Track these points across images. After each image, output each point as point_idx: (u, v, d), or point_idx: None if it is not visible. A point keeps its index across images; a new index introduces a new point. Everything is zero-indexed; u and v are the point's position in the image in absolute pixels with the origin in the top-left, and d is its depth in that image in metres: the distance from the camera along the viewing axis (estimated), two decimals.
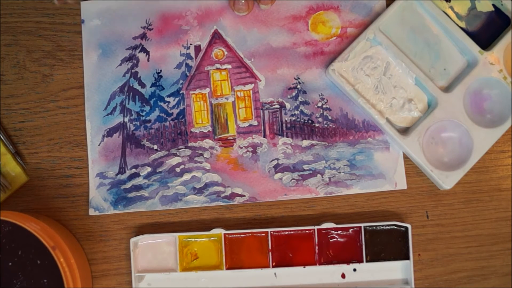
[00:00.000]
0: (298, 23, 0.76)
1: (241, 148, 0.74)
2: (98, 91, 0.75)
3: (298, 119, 0.75)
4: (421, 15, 0.75)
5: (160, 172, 0.74)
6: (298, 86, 0.75)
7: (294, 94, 0.75)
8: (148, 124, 0.74)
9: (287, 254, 0.72)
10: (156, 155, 0.74)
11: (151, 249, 0.72)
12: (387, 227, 0.72)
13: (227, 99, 0.75)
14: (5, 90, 0.74)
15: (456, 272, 0.74)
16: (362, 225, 0.71)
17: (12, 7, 0.75)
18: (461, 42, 0.74)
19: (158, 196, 0.73)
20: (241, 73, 0.75)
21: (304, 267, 0.72)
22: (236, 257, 0.72)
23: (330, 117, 0.75)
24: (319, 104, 0.75)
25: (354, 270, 0.72)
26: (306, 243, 0.72)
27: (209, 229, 0.72)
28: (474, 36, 0.74)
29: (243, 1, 0.73)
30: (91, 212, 0.73)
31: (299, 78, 0.75)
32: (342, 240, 0.72)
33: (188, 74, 0.75)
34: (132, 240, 0.71)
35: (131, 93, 0.75)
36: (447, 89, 0.74)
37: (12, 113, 0.74)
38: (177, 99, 0.75)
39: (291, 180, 0.74)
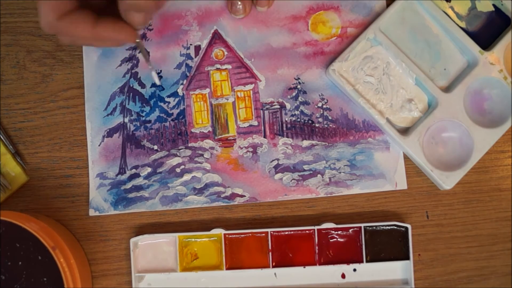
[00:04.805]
0: (298, 23, 0.76)
1: (241, 148, 0.74)
2: (98, 91, 0.74)
3: (298, 119, 0.75)
4: (421, 15, 0.75)
5: (160, 172, 0.74)
6: (298, 86, 0.75)
7: (294, 94, 0.75)
8: (148, 125, 0.74)
9: (287, 254, 0.72)
10: (156, 156, 0.74)
11: (151, 249, 0.72)
12: (387, 227, 0.72)
13: (227, 99, 0.75)
14: (5, 90, 0.74)
15: (456, 272, 0.74)
16: (362, 225, 0.71)
17: (12, 7, 0.75)
18: (461, 42, 0.74)
19: (158, 197, 0.73)
20: (241, 73, 0.75)
21: (304, 267, 0.72)
22: (236, 257, 0.72)
23: (330, 117, 0.75)
24: (319, 104, 0.75)
25: (354, 270, 0.72)
26: (306, 243, 0.72)
27: (209, 229, 0.72)
28: (474, 36, 0.74)
29: (240, 4, 0.73)
30: (91, 212, 0.73)
31: (299, 78, 0.75)
32: (342, 240, 0.72)
33: (188, 74, 0.75)
34: (132, 240, 0.71)
35: (131, 94, 0.75)
36: (447, 89, 0.74)
37: (12, 113, 0.74)
38: (177, 99, 0.75)
39: (291, 180, 0.74)
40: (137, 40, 0.60)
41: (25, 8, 0.75)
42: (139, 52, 0.73)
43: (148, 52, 0.74)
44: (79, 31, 0.57)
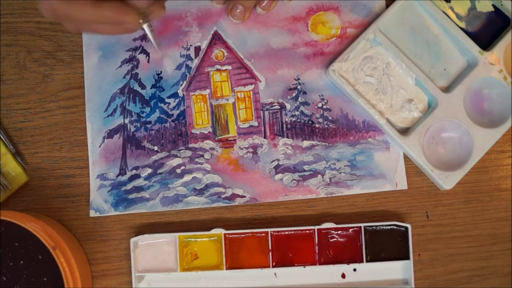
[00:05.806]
0: (298, 24, 0.76)
1: (242, 149, 0.75)
2: (99, 92, 0.75)
3: (299, 120, 0.75)
4: (421, 15, 0.75)
5: (160, 173, 0.74)
6: (298, 87, 0.75)
7: (294, 94, 0.75)
8: (149, 126, 0.74)
9: (287, 254, 0.72)
10: (156, 156, 0.74)
11: (151, 249, 0.72)
12: (387, 227, 0.72)
13: (228, 100, 0.75)
14: (6, 90, 0.74)
15: (456, 272, 0.74)
16: (362, 225, 0.71)
17: (13, 7, 0.75)
18: (461, 43, 0.74)
19: (158, 197, 0.73)
20: (241, 74, 0.75)
21: (304, 267, 0.72)
22: (236, 257, 0.72)
23: (330, 118, 0.75)
24: (319, 105, 0.75)
25: (354, 270, 0.72)
26: (306, 243, 0.72)
27: (209, 229, 0.72)
28: (474, 36, 0.75)
29: (240, 9, 0.73)
30: (92, 213, 0.73)
31: (299, 79, 0.75)
32: (342, 240, 0.72)
33: (188, 75, 0.75)
34: (132, 240, 0.71)
35: (131, 95, 0.75)
36: (447, 89, 0.74)
37: (12, 113, 0.74)
38: (177, 100, 0.75)
39: (291, 181, 0.74)
40: (141, 22, 0.59)
41: (25, 8, 0.75)
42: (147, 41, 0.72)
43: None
44: (80, 11, 0.57)
